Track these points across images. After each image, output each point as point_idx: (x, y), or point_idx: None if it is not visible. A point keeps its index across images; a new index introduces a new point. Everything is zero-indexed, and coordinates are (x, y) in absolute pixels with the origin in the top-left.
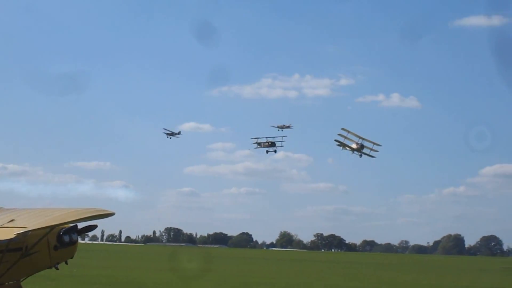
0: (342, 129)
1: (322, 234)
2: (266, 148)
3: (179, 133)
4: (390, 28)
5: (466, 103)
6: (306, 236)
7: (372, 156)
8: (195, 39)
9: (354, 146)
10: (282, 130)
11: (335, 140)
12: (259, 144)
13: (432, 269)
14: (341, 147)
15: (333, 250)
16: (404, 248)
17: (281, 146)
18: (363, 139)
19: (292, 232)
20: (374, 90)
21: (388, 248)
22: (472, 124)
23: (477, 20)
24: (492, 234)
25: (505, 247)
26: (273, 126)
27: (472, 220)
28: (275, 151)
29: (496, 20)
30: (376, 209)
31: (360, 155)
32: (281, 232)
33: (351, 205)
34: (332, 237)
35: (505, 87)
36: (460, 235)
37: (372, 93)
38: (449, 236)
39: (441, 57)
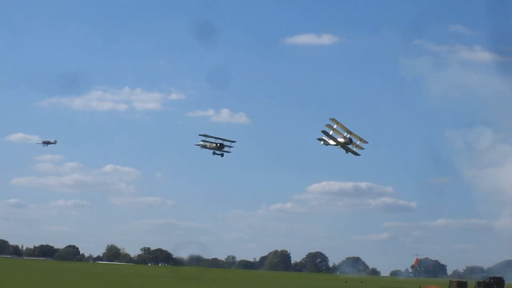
0: (331, 119)
1: (149, 248)
2: (213, 150)
3: None
4: (221, 44)
5: (295, 120)
6: (133, 250)
7: (357, 154)
8: (24, 45)
9: (341, 139)
10: (47, 146)
11: (322, 131)
12: (204, 145)
13: (257, 284)
14: (322, 142)
15: (160, 264)
16: (231, 263)
17: (229, 152)
18: (350, 133)
19: (119, 246)
20: (204, 105)
21: (215, 263)
22: (301, 141)
23: (308, 38)
24: (318, 250)
25: (330, 264)
26: (38, 143)
27: (298, 236)
28: (221, 155)
29: (326, 39)
30: (204, 224)
31: (346, 151)
32: (108, 245)
33: (179, 219)
34: (160, 251)
35: (334, 106)
36: (286, 251)
37: (202, 108)
38: (276, 252)
39: (271, 73)
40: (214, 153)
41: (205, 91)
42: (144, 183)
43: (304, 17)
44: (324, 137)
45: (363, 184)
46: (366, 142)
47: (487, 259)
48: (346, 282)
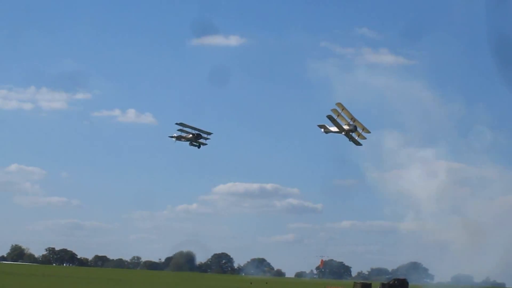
0: (337, 104)
1: (54, 248)
2: (190, 141)
3: None
4: (128, 44)
5: (201, 121)
6: (38, 250)
7: (359, 144)
8: None
9: (346, 126)
10: None
11: (327, 116)
12: (179, 137)
13: (162, 285)
14: (323, 130)
15: (64, 264)
16: (136, 264)
17: (205, 144)
18: (355, 120)
19: (24, 246)
20: (111, 105)
21: (120, 263)
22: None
23: (215, 40)
24: (223, 251)
25: (235, 265)
26: None
27: (204, 237)
28: (198, 146)
29: (233, 40)
30: (109, 224)
31: (349, 139)
32: (12, 245)
33: (84, 220)
34: (64, 251)
35: (241, 108)
36: (192, 252)
37: (109, 108)
38: (181, 252)
39: (178, 74)
40: (191, 144)
41: (112, 91)
42: (49, 183)
43: (211, 18)
44: (325, 124)
45: (268, 186)
46: (369, 132)
47: (392, 261)
48: (251, 283)
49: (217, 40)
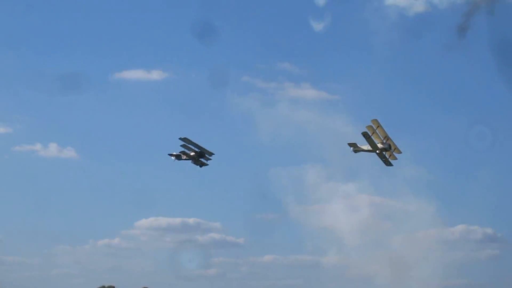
0: (373, 120)
1: None
2: (192, 159)
3: None
4: (45, 81)
5: (123, 155)
6: None
7: (390, 164)
8: None
9: (380, 145)
10: None
11: (363, 133)
12: (179, 156)
13: None
14: (352, 148)
15: None
16: None
17: (207, 164)
18: (388, 139)
19: None
20: (32, 139)
21: None
22: (129, 176)
23: (136, 74)
24: (145, 286)
25: None
26: None
27: (126, 271)
28: (200, 166)
29: (155, 75)
30: (29, 259)
31: (381, 159)
32: None
33: (5, 254)
34: None
35: (164, 141)
36: (114, 286)
37: (29, 142)
38: (103, 287)
39: (100, 108)
40: (193, 162)
41: (33, 125)
42: None
43: (133, 52)
44: (356, 142)
45: (191, 220)
46: (400, 152)
47: None
48: None
49: (139, 74)
